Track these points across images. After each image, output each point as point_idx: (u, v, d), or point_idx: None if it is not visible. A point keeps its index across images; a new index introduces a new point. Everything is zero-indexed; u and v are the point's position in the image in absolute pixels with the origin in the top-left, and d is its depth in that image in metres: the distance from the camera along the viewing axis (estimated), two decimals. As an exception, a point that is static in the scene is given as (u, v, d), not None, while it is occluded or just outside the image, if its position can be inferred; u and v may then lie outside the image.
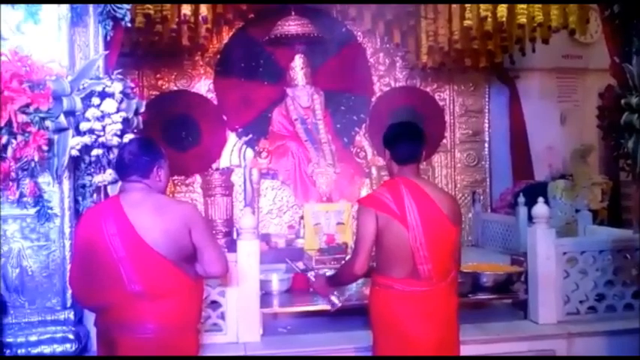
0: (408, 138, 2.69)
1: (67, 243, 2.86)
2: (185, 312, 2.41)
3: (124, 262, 2.29)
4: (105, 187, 2.96)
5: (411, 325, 2.55)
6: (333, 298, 3.00)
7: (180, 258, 2.37)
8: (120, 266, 2.29)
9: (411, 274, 2.57)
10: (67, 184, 2.87)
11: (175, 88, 6.03)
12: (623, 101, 3.44)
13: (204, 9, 4.71)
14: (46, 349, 2.80)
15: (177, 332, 2.37)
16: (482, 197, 6.39)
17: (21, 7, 2.83)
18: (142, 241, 2.30)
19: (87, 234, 2.38)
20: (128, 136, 2.89)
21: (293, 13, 5.70)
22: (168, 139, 5.71)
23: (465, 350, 2.75)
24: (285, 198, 5.67)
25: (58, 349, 2.81)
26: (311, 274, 3.16)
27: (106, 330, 2.40)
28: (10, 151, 2.65)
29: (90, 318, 2.80)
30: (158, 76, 5.99)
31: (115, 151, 2.82)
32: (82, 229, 2.44)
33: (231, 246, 4.39)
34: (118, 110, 2.84)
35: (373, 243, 2.61)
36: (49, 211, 2.82)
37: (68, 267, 2.79)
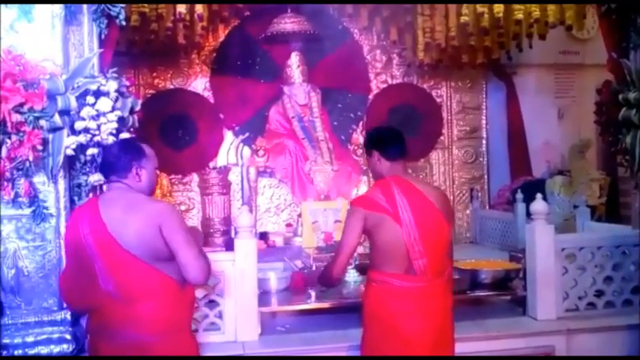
0: (396, 136, 2.79)
1: (63, 243, 2.84)
2: (170, 316, 2.30)
3: (97, 260, 2.25)
4: (100, 186, 2.94)
5: (406, 321, 2.56)
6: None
7: (157, 259, 2.26)
8: (95, 265, 2.25)
9: (406, 271, 2.59)
10: (62, 183, 2.85)
11: (171, 87, 6.01)
12: (620, 97, 3.43)
13: (199, 7, 4.69)
14: (43, 350, 2.78)
15: (165, 337, 2.27)
16: (480, 194, 6.39)
17: (14, 6, 2.80)
18: (113, 240, 2.23)
19: (70, 235, 2.37)
20: (124, 135, 2.87)
21: (289, 10, 5.69)
22: (164, 138, 5.72)
23: (464, 347, 2.74)
24: (283, 196, 5.64)
25: (55, 349, 2.79)
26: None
27: (90, 335, 2.39)
28: (4, 151, 2.62)
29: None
30: (154, 74, 5.97)
31: (111, 150, 2.80)
32: (67, 230, 2.44)
33: (229, 244, 4.38)
34: (113, 109, 2.82)
35: (355, 248, 2.68)
36: (45, 211, 2.79)
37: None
